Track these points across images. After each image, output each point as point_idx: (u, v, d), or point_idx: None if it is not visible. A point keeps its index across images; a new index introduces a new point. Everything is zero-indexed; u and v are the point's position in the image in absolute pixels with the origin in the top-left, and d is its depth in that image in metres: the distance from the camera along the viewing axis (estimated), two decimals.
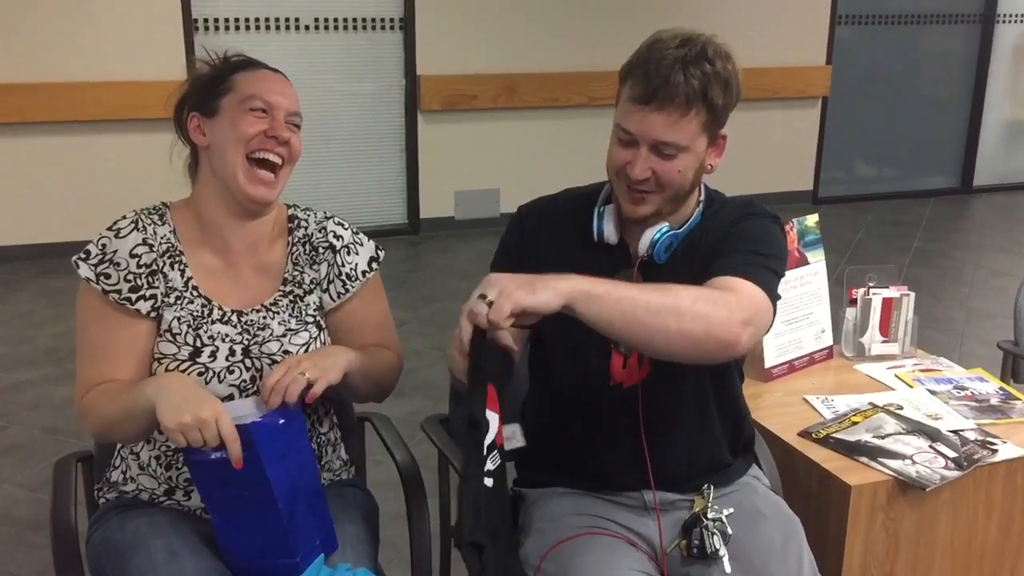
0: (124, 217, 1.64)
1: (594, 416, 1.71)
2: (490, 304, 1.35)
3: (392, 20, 5.79)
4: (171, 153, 1.74)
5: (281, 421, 1.50)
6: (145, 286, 1.60)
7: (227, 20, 5.46)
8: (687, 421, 1.70)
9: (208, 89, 1.65)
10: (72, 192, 5.34)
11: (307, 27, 5.61)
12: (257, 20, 5.51)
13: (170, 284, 1.62)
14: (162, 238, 1.63)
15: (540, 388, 1.81)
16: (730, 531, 1.60)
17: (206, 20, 5.42)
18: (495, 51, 5.96)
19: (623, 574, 1.56)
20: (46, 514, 1.67)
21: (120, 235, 1.61)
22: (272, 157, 1.62)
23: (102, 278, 1.58)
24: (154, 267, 1.61)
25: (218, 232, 1.67)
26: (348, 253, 1.74)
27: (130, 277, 1.59)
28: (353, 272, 1.74)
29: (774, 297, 1.57)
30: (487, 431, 1.38)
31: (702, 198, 1.70)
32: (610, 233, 1.67)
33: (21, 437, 3.37)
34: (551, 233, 1.72)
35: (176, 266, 1.63)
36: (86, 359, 1.62)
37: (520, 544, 1.69)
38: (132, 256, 1.60)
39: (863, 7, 6.97)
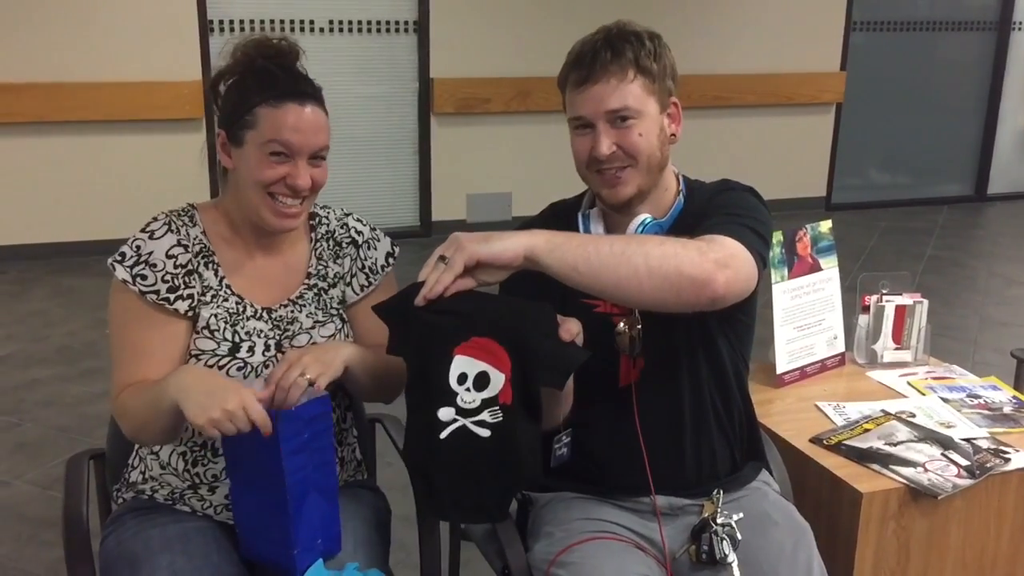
0: (155, 219, 1.64)
1: (597, 419, 1.70)
2: (443, 259, 1.39)
3: (406, 23, 5.81)
4: (202, 156, 1.73)
5: (308, 416, 1.50)
6: (182, 286, 1.61)
7: (242, 22, 5.49)
8: (686, 422, 1.69)
9: (232, 112, 1.61)
10: (87, 191, 5.38)
11: (322, 29, 5.64)
12: (272, 22, 5.53)
13: (205, 283, 1.63)
14: (195, 239, 1.64)
15: None
16: (739, 536, 1.59)
17: (221, 22, 5.45)
18: (509, 55, 5.97)
19: None
20: (58, 512, 1.68)
21: (154, 236, 1.61)
22: (291, 200, 1.62)
23: (139, 279, 1.58)
24: (190, 267, 1.62)
25: (246, 234, 1.68)
26: (369, 248, 1.78)
27: (167, 278, 1.59)
28: (375, 266, 1.78)
29: (756, 251, 1.54)
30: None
31: (682, 188, 1.72)
32: (597, 232, 1.68)
33: (34, 435, 3.38)
34: None
35: (210, 266, 1.64)
36: (123, 360, 1.61)
37: (528, 548, 1.69)
38: (168, 257, 1.60)
39: (878, 14, 6.95)
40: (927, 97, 7.28)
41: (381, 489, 1.89)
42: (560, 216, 1.73)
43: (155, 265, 1.59)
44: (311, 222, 1.77)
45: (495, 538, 1.70)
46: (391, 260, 1.80)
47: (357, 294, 1.76)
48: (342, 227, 1.77)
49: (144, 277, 1.58)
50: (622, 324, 1.65)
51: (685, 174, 1.76)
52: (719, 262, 1.44)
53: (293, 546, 1.51)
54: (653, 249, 1.42)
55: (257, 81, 1.60)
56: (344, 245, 1.76)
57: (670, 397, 1.69)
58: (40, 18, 5.10)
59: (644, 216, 1.65)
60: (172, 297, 1.60)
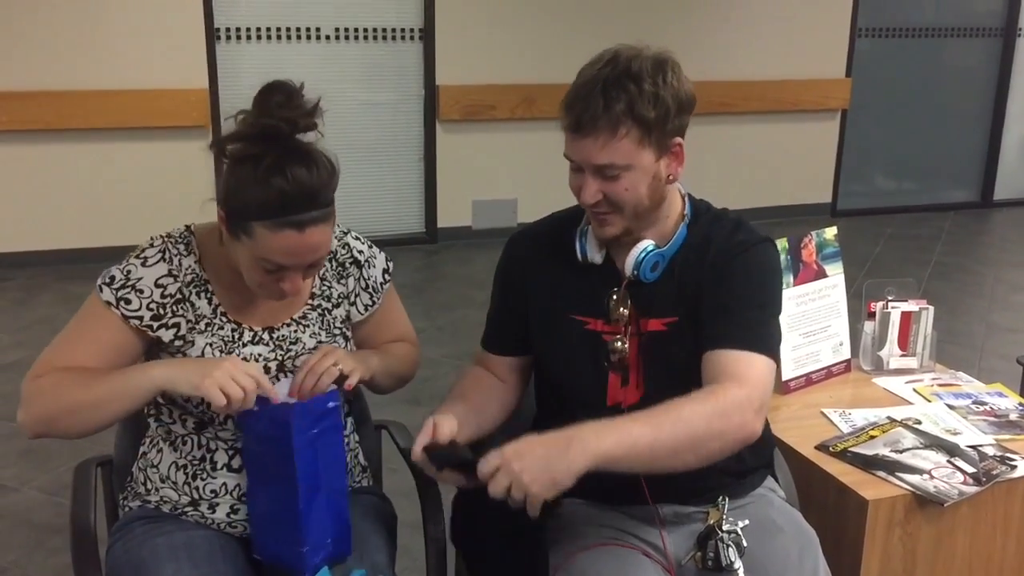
0: (152, 244, 1.62)
1: None
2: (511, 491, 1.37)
3: (412, 30, 5.82)
4: (207, 157, 1.72)
5: (320, 410, 1.53)
6: (169, 315, 1.59)
7: (248, 30, 5.51)
8: None
9: (230, 206, 1.50)
10: (93, 199, 5.40)
11: (328, 37, 5.65)
12: (279, 30, 5.55)
13: (198, 312, 1.62)
14: (187, 269, 1.62)
15: (544, 411, 1.82)
16: (745, 544, 1.59)
17: (228, 29, 5.47)
18: (514, 62, 5.98)
19: None
20: (65, 518, 1.68)
21: (147, 264, 1.59)
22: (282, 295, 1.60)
23: (122, 303, 1.57)
24: (179, 296, 1.60)
25: None
26: (370, 266, 1.78)
27: (152, 305, 1.58)
28: (376, 285, 1.79)
29: (777, 352, 1.61)
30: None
31: (687, 212, 1.68)
32: (594, 253, 1.67)
33: (41, 442, 3.35)
34: (539, 258, 1.74)
35: (203, 295, 1.63)
36: (63, 344, 1.59)
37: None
38: (157, 286, 1.59)
39: (883, 20, 6.95)
40: (933, 103, 7.28)
41: (387, 495, 1.89)
42: (562, 230, 1.72)
43: (141, 291, 1.57)
44: None
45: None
46: (387, 276, 1.82)
47: (362, 314, 1.77)
48: (343, 247, 1.76)
49: (128, 301, 1.57)
50: (618, 343, 1.64)
51: (691, 192, 1.73)
52: (758, 410, 1.52)
53: (303, 544, 1.52)
54: (702, 434, 1.46)
55: (257, 190, 1.46)
56: (347, 265, 1.76)
57: None
58: (48, 27, 5.12)
59: (647, 244, 1.63)
60: (155, 325, 1.58)
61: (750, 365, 1.55)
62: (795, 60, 6.62)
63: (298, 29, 5.59)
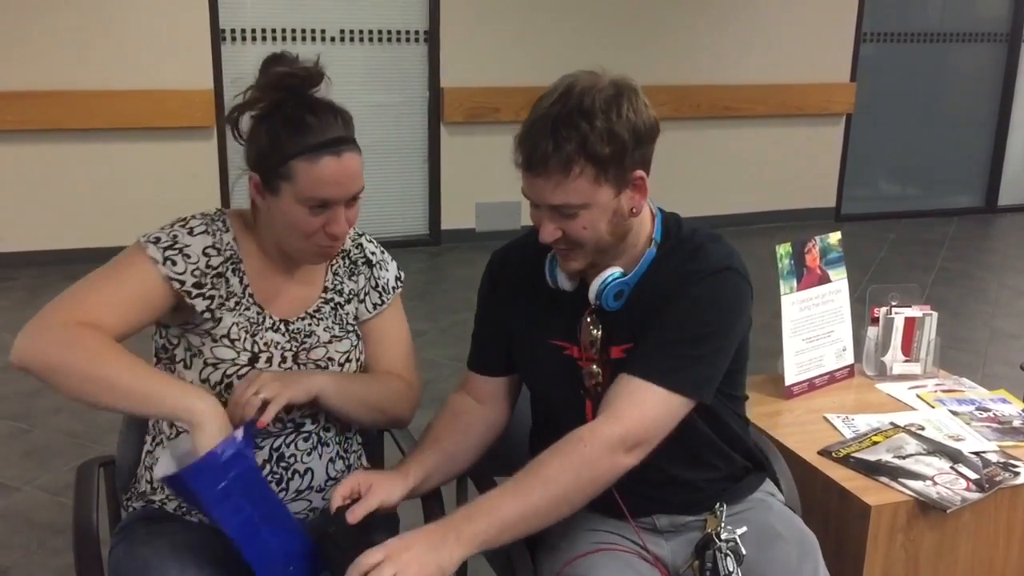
0: (193, 217, 1.64)
1: None
2: None
3: (417, 32, 5.83)
4: (238, 178, 1.70)
5: (218, 463, 1.45)
6: (208, 286, 1.60)
7: (254, 31, 5.52)
8: (676, 457, 1.63)
9: (264, 159, 1.57)
10: (98, 199, 5.40)
11: (332, 38, 5.66)
12: (284, 31, 5.56)
13: (230, 289, 1.63)
14: (227, 244, 1.64)
15: (538, 425, 1.81)
16: (744, 552, 1.57)
17: (233, 31, 5.47)
18: (519, 64, 5.98)
19: None
20: (67, 518, 1.68)
21: (193, 233, 1.61)
22: (328, 247, 1.63)
23: (168, 263, 1.57)
24: (220, 270, 1.62)
25: (273, 251, 1.68)
26: (381, 268, 1.81)
27: (196, 272, 1.59)
28: (387, 286, 1.80)
29: (696, 388, 1.54)
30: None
31: (656, 235, 1.62)
32: (564, 281, 1.63)
33: (43, 440, 3.40)
34: (515, 280, 1.71)
35: (236, 272, 1.64)
36: (92, 284, 1.57)
37: (534, 559, 1.69)
38: (204, 255, 1.60)
39: (888, 24, 6.94)
40: (937, 108, 7.27)
41: None
42: (538, 253, 1.65)
43: (188, 256, 1.59)
44: None
45: (502, 549, 1.70)
46: (399, 283, 1.83)
47: (370, 312, 1.79)
48: (357, 247, 1.80)
49: (174, 263, 1.58)
50: (594, 367, 1.62)
51: (663, 208, 1.67)
52: (631, 447, 1.48)
53: None
54: (569, 490, 1.45)
55: (288, 130, 1.54)
56: (359, 264, 1.79)
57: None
58: (53, 27, 5.14)
59: (612, 272, 1.58)
60: (194, 292, 1.59)
61: (641, 398, 1.50)
62: (800, 64, 6.61)
63: (303, 30, 5.60)
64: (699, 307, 1.56)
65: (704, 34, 6.24)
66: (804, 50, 6.62)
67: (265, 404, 1.52)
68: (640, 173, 1.53)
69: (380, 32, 5.76)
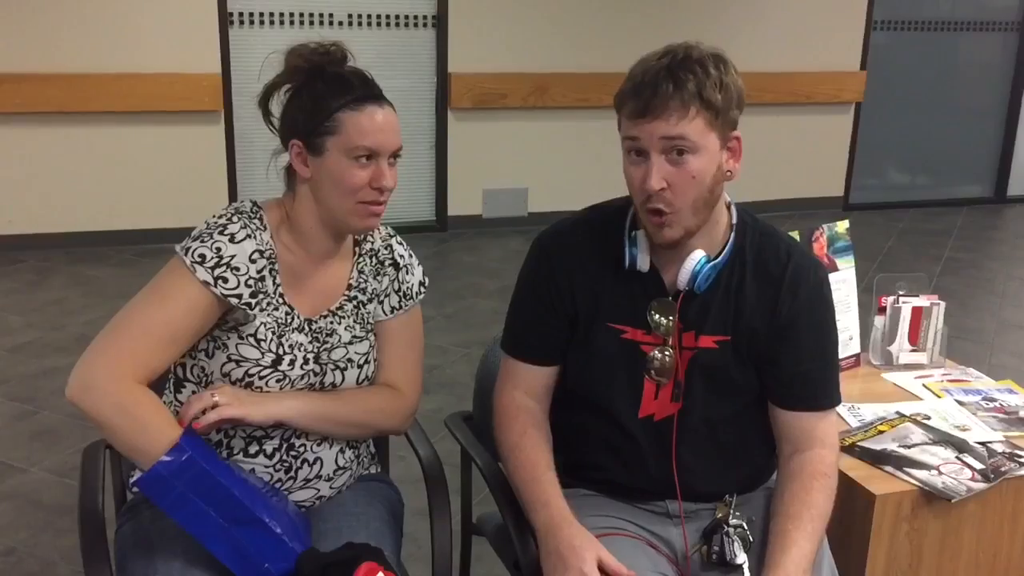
0: (230, 221, 1.60)
1: (621, 446, 1.68)
2: None
3: (425, 17, 5.81)
4: (269, 163, 1.68)
5: (165, 473, 1.48)
6: (260, 292, 1.61)
7: (262, 14, 5.50)
8: (723, 450, 1.68)
9: (308, 120, 1.60)
10: (106, 181, 5.41)
11: (340, 23, 5.64)
12: (292, 15, 5.54)
13: (265, 288, 1.63)
14: (267, 244, 1.62)
15: (564, 413, 1.75)
16: (751, 538, 1.59)
17: (240, 14, 5.46)
18: (527, 50, 5.96)
19: (644, 575, 1.55)
20: (74, 499, 1.69)
21: (235, 240, 1.58)
22: (376, 204, 1.64)
23: (220, 282, 1.56)
24: (264, 273, 1.61)
25: (307, 242, 1.67)
26: (407, 272, 1.79)
27: (250, 282, 1.58)
28: (409, 291, 1.78)
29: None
30: None
31: (734, 222, 1.65)
32: (643, 261, 1.61)
33: (50, 423, 3.41)
34: (577, 262, 1.67)
35: (272, 272, 1.63)
36: (145, 337, 1.54)
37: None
38: (251, 261, 1.59)
39: (899, 13, 6.90)
40: (947, 98, 7.23)
41: (394, 483, 1.90)
42: (603, 231, 1.66)
43: (238, 268, 1.57)
44: (357, 236, 1.76)
45: (507, 533, 1.70)
46: (423, 289, 1.81)
47: (387, 315, 1.76)
48: (386, 247, 1.78)
49: (226, 280, 1.56)
50: (658, 354, 1.62)
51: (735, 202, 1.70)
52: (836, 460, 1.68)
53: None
54: (824, 521, 1.63)
55: (330, 87, 1.60)
56: (385, 264, 1.77)
57: (710, 428, 1.66)
58: (60, 10, 5.13)
59: (700, 254, 1.58)
60: (253, 302, 1.59)
61: (829, 422, 1.69)
62: (810, 52, 6.58)
63: (311, 15, 5.58)
64: (827, 319, 1.68)
65: (714, 21, 6.21)
66: (814, 38, 6.58)
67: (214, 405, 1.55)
68: (738, 134, 1.58)
69: (388, 17, 5.74)
